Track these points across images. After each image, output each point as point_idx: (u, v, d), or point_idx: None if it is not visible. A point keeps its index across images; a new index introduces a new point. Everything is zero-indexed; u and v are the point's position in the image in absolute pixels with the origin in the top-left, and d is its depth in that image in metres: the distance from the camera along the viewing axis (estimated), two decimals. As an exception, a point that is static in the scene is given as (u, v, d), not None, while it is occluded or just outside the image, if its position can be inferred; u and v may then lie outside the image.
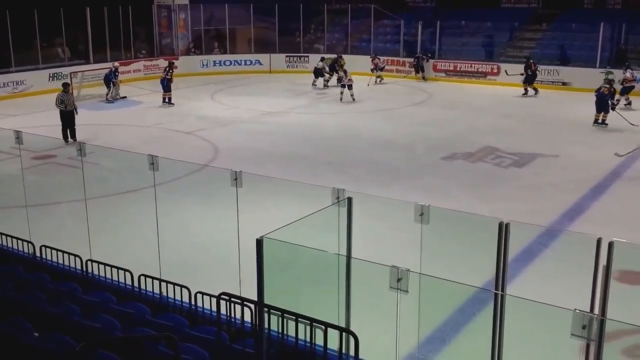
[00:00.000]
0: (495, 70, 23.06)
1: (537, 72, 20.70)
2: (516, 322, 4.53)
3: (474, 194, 11.07)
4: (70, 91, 15.33)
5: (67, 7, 21.87)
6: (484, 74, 22.86)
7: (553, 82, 21.90)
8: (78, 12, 22.53)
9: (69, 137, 14.68)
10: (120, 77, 20.54)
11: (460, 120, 17.21)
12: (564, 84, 21.80)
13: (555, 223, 9.49)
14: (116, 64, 20.39)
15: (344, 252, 6.06)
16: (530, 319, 4.57)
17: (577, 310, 3.27)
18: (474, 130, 15.85)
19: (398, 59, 25.29)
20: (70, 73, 20.04)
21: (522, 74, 20.71)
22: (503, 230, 4.45)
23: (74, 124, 14.81)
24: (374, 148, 14.38)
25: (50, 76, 21.10)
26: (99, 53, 23.28)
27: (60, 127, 14.64)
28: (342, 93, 19.79)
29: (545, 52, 23.48)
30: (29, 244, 7.31)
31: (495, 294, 4.47)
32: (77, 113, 14.90)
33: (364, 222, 7.12)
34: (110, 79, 19.58)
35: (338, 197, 6.22)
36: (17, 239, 7.42)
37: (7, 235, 7.50)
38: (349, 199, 6.05)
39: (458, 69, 23.90)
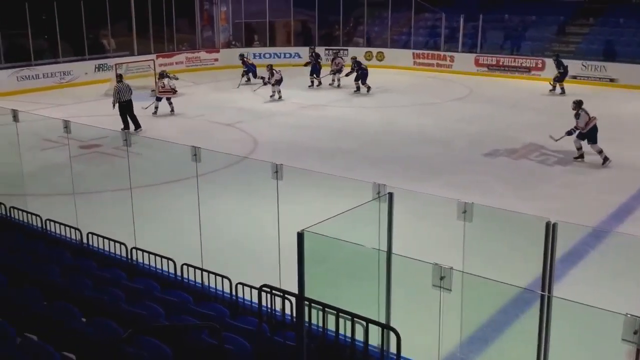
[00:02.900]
0: (539, 65, 22.56)
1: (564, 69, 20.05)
2: (562, 325, 4.45)
3: (517, 192, 10.87)
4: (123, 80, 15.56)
5: (112, -1, 22.35)
6: (528, 69, 22.40)
7: (600, 78, 21.31)
8: (123, 4, 22.94)
9: (131, 126, 14.87)
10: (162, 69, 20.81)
11: (503, 116, 16.92)
12: (611, 80, 21.18)
13: (603, 224, 9.25)
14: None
15: (384, 247, 6.04)
16: (577, 322, 4.47)
17: (629, 315, 3.19)
18: (517, 126, 15.56)
19: (439, 52, 24.99)
20: (115, 64, 20.42)
21: (559, 72, 20.13)
22: (550, 230, 4.37)
23: (133, 113, 15.02)
24: (413, 143, 14.27)
25: (96, 67, 21.58)
26: (143, 45, 23.67)
27: (121, 118, 14.86)
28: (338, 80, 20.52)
29: (591, 48, 22.84)
30: (77, 231, 7.52)
31: (542, 296, 4.39)
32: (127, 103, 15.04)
33: (404, 218, 7.10)
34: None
35: (379, 192, 6.19)
36: (66, 225, 7.64)
37: (56, 222, 7.73)
38: (390, 195, 6.02)
39: (501, 63, 23.48)
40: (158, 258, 6.82)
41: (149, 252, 6.90)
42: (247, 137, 14.87)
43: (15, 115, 8.76)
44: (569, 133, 12.57)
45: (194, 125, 16.14)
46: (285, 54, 26.17)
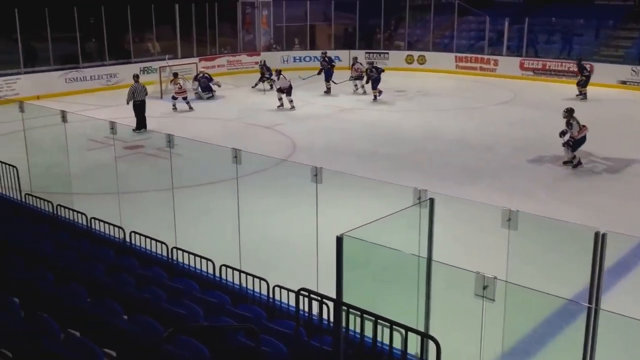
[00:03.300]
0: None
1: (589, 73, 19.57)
2: (609, 339, 4.29)
3: (562, 200, 10.60)
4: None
5: (157, 4, 22.75)
6: (575, 74, 21.84)
7: (650, 83, 20.64)
8: (168, 9, 23.37)
9: (141, 126, 15.41)
10: (205, 71, 21.13)
11: (548, 121, 16.49)
12: (662, 85, 20.49)
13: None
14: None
15: (424, 254, 5.95)
16: (625, 336, 4.31)
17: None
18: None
19: (482, 56, 24.63)
20: (159, 67, 20.84)
21: (583, 76, 19.58)
22: (600, 241, 4.22)
23: (144, 113, 15.57)
24: (455, 147, 14.07)
25: (141, 70, 22.01)
26: (186, 48, 24.06)
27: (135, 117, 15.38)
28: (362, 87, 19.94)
29: (641, 52, 22.16)
30: (120, 230, 7.66)
31: (589, 308, 4.25)
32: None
33: (446, 225, 6.98)
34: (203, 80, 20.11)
35: (420, 198, 6.11)
36: (110, 224, 7.80)
37: (100, 221, 7.90)
38: (431, 200, 5.93)
39: (547, 67, 22.97)
40: (197, 258, 6.89)
41: (189, 252, 6.98)
42: (286, 139, 14.93)
43: (63, 116, 9.00)
44: (563, 134, 12.47)
45: (235, 127, 16.30)
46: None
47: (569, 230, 7.08)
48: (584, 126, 12.38)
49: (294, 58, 25.90)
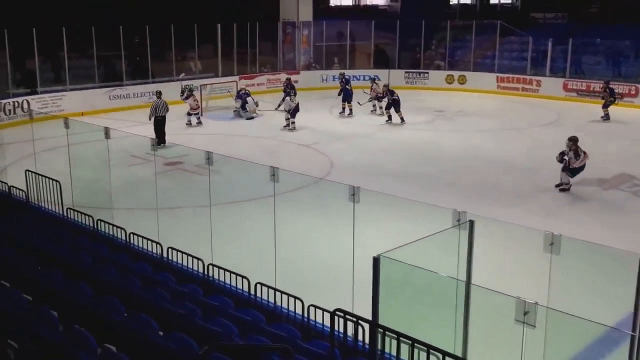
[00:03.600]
0: (632, 92, 21.44)
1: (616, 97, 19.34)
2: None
3: (606, 224, 10.27)
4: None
5: (200, 23, 23.23)
6: (621, 96, 21.31)
7: (700, 105, 19.98)
8: (210, 28, 23.83)
9: (160, 141, 15.51)
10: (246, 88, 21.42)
11: (592, 144, 16.11)
12: None
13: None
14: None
15: (463, 277, 5.82)
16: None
17: None
18: (607, 155, 14.77)
19: (525, 76, 24.29)
20: (200, 85, 21.19)
21: (611, 98, 19.28)
22: (646, 268, 4.06)
23: (164, 129, 15.94)
24: (496, 169, 13.84)
25: (182, 88, 22.42)
26: (227, 67, 24.46)
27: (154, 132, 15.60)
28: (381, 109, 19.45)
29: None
30: (158, 245, 7.75)
31: (632, 336, 4.07)
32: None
33: (485, 247, 6.83)
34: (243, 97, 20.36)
35: (459, 220, 5.99)
36: (148, 239, 7.89)
37: (139, 236, 8.01)
38: (471, 222, 5.81)
39: (591, 89, 22.48)
40: (233, 275, 6.90)
41: (225, 269, 7.00)
42: (323, 158, 14.94)
43: (106, 132, 9.21)
44: (563, 163, 12.12)
45: (272, 145, 16.41)
46: (364, 76, 26.23)
47: (613, 255, 6.83)
48: (585, 154, 12.07)
49: (333, 77, 25.97)
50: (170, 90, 22.08)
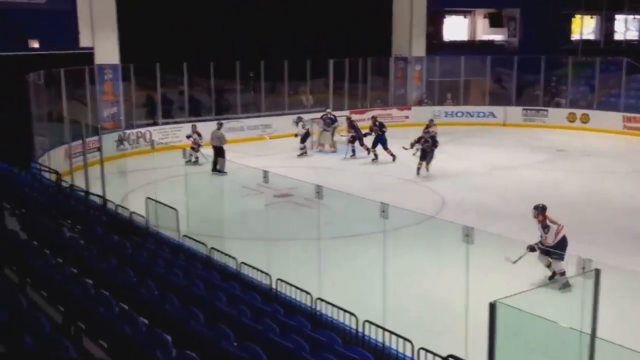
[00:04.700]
0: None
1: None
2: None
3: None
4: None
5: (313, 59, 23.84)
6: None
7: None
8: (322, 63, 24.39)
9: (218, 169, 16.08)
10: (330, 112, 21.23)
11: None
12: None
13: None
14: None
15: (587, 329, 5.40)
16: None
17: None
18: None
19: (653, 115, 22.60)
20: (311, 119, 21.61)
21: None
22: None
23: (217, 157, 16.39)
24: (623, 213, 12.86)
25: (294, 121, 23.01)
26: (338, 101, 24.83)
27: (212, 160, 16.22)
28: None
29: None
30: (267, 276, 7.83)
31: None
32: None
33: (611, 297, 6.27)
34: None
35: (584, 267, 5.59)
36: (257, 270, 8.01)
37: (249, 266, 8.15)
38: (597, 271, 5.39)
39: None
40: (341, 311, 6.80)
41: (332, 305, 6.91)
42: (434, 195, 14.58)
43: (265, 176, 9.51)
44: (532, 249, 9.15)
45: (383, 181, 16.29)
46: (478, 113, 25.61)
47: None
48: (561, 226, 9.33)
49: (445, 113, 25.58)
50: (282, 124, 22.78)
